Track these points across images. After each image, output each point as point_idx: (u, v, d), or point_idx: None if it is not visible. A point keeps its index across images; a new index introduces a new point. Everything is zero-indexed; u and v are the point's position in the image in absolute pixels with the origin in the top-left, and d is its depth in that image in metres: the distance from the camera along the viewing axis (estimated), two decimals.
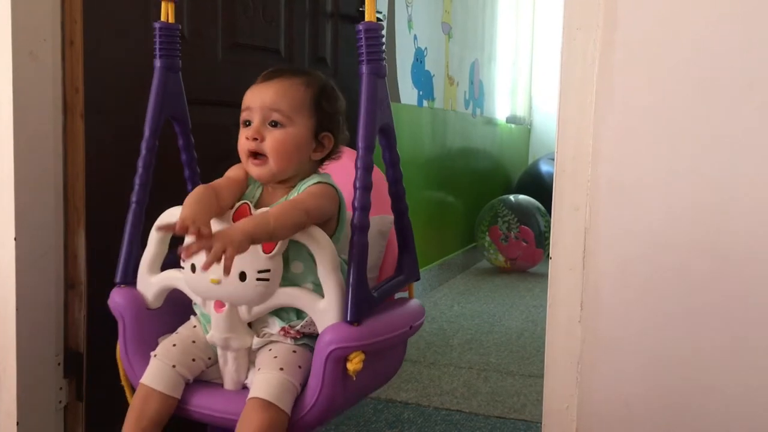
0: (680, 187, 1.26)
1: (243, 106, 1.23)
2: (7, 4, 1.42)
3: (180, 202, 1.19)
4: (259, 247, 1.10)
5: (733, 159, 1.23)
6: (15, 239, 1.46)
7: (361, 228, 1.12)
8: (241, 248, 1.04)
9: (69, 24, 1.52)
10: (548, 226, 3.94)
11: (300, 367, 1.15)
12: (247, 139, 1.20)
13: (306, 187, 1.21)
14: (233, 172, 1.26)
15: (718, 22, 1.22)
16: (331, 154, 1.28)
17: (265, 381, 1.12)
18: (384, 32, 1.17)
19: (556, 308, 1.34)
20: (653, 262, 1.28)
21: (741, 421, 1.25)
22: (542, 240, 4.07)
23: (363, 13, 2.32)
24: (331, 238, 1.17)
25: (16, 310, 1.47)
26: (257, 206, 1.21)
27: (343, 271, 1.16)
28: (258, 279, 1.11)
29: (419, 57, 3.50)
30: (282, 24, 2.04)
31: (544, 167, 4.78)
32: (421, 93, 3.53)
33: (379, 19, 2.35)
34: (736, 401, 1.25)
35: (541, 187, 4.51)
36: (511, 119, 5.28)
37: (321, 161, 1.28)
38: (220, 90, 1.83)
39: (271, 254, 1.11)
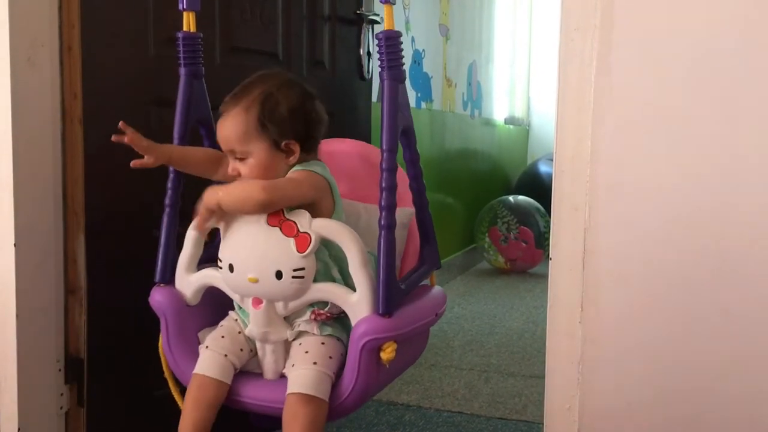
0: (679, 186, 1.26)
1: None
2: (5, 10, 1.42)
3: None
4: (293, 248, 1.18)
5: (731, 158, 1.23)
6: (15, 245, 1.46)
7: (388, 226, 1.18)
8: (211, 203, 1.18)
9: (67, 30, 1.52)
10: (548, 227, 3.94)
11: (331, 357, 1.23)
12: (231, 174, 1.28)
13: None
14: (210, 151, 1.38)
15: (716, 22, 1.22)
16: (310, 150, 1.30)
17: (302, 376, 1.19)
18: (402, 39, 1.22)
19: (557, 309, 1.34)
20: (653, 262, 1.28)
21: (741, 421, 1.25)
22: (542, 241, 4.06)
23: (360, 15, 2.33)
24: None
25: (17, 316, 1.47)
26: None
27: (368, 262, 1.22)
28: (293, 277, 1.19)
29: (417, 59, 3.50)
30: (279, 27, 2.04)
31: (543, 168, 4.78)
32: (419, 95, 3.54)
33: (376, 22, 2.36)
34: (737, 401, 1.25)
35: (540, 187, 4.50)
36: (509, 120, 5.28)
37: (308, 154, 1.30)
38: (218, 94, 1.83)
39: (305, 254, 1.18)
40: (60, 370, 1.56)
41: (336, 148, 1.51)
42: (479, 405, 2.14)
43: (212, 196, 1.19)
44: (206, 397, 1.24)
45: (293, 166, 1.27)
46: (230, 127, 1.25)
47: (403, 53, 1.22)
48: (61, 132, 1.53)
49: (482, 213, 4.26)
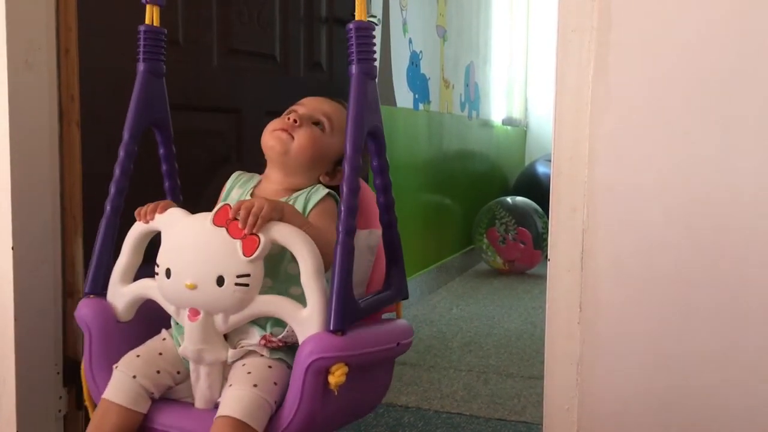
0: (677, 187, 1.26)
1: (295, 105, 1.27)
2: (2, 13, 1.42)
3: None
4: (239, 250, 1.05)
5: (729, 158, 1.23)
6: (12, 248, 1.45)
7: (346, 232, 1.06)
8: (274, 211, 1.06)
9: (64, 32, 1.52)
10: (546, 228, 3.95)
11: (276, 383, 1.08)
12: (288, 119, 1.22)
13: (317, 196, 1.21)
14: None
15: (713, 22, 1.23)
16: (332, 184, 1.26)
17: (237, 398, 1.05)
18: (375, 32, 1.15)
19: (555, 310, 1.34)
20: (651, 263, 1.28)
21: (741, 421, 1.25)
22: (540, 241, 4.07)
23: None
24: None
25: (15, 319, 1.46)
26: None
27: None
28: (237, 284, 1.05)
29: (414, 60, 3.50)
30: (277, 29, 2.04)
31: (541, 169, 4.78)
32: (416, 96, 3.54)
33: (371, 21, 2.36)
34: (736, 401, 1.25)
35: (538, 188, 4.50)
36: (507, 121, 5.29)
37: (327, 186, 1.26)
38: (216, 96, 1.83)
39: (251, 258, 1.05)
40: (58, 373, 1.56)
41: None
42: (478, 406, 2.14)
43: (274, 208, 1.07)
44: (108, 426, 1.08)
45: (316, 183, 1.25)
46: (341, 111, 1.25)
47: (375, 48, 1.13)
48: (58, 134, 1.53)
49: (480, 214, 4.26)
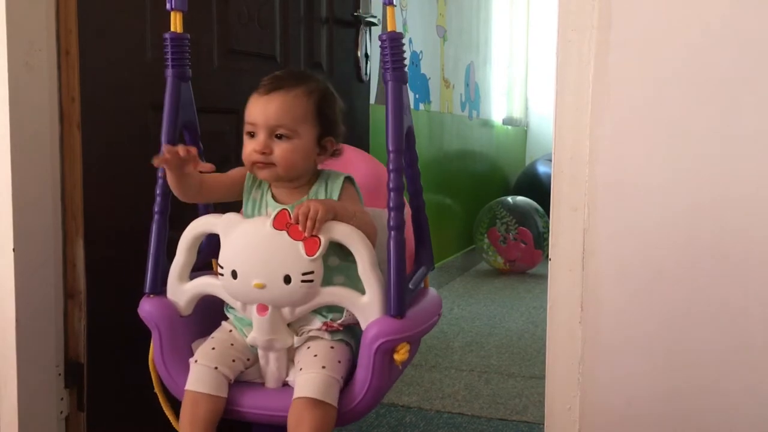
0: (678, 186, 1.26)
1: (247, 119, 1.26)
2: (2, 14, 1.42)
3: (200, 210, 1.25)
4: (302, 251, 1.16)
5: (730, 158, 1.23)
6: (14, 250, 1.45)
7: (397, 227, 1.17)
8: (328, 213, 1.15)
9: (64, 34, 1.52)
10: (547, 227, 3.94)
11: (339, 362, 1.20)
12: (255, 151, 1.24)
13: (337, 185, 1.28)
14: (235, 172, 1.34)
15: (713, 22, 1.23)
16: (333, 155, 1.32)
17: (310, 380, 1.16)
18: (404, 40, 1.22)
19: (556, 309, 1.34)
20: (652, 262, 1.28)
21: (743, 420, 1.25)
22: (541, 241, 4.07)
23: (358, 17, 2.33)
24: None
25: (16, 320, 1.47)
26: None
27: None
28: (303, 281, 1.16)
29: (415, 60, 3.50)
30: (277, 30, 2.04)
31: (542, 168, 4.78)
32: (417, 96, 3.54)
33: (374, 24, 2.36)
34: (738, 401, 1.25)
35: (538, 188, 4.51)
36: (507, 121, 5.29)
37: (332, 158, 1.32)
38: (216, 97, 1.83)
39: (313, 257, 1.16)
40: (60, 374, 1.56)
41: (349, 157, 1.46)
42: (480, 406, 2.14)
43: (328, 210, 1.17)
44: (202, 413, 1.20)
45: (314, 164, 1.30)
46: (288, 103, 1.24)
47: (405, 55, 1.22)
48: (59, 136, 1.53)
49: (481, 214, 4.26)
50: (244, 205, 1.33)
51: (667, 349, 1.28)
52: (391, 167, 1.18)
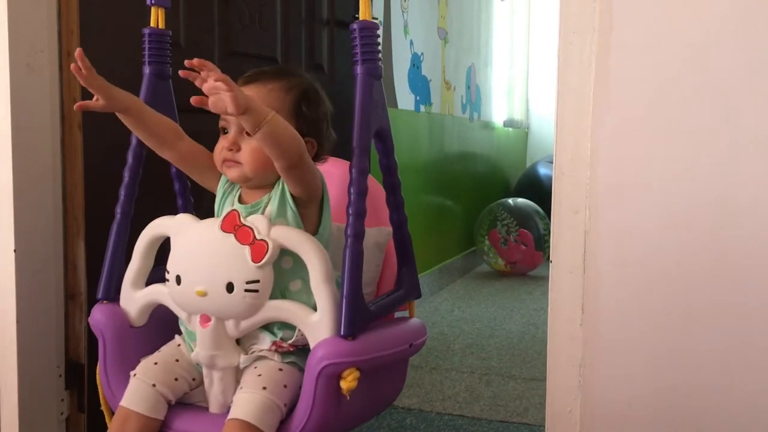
0: (679, 188, 1.26)
1: (222, 118, 1.17)
2: (4, 16, 1.42)
3: (167, 214, 1.16)
4: (248, 257, 1.05)
5: (730, 159, 1.23)
6: (15, 251, 1.46)
7: (355, 235, 1.05)
8: (240, 98, 0.98)
9: (66, 35, 1.52)
10: (547, 229, 3.94)
11: (286, 386, 1.08)
12: (224, 148, 1.15)
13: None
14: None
15: (714, 23, 1.23)
16: (315, 160, 1.19)
17: (247, 401, 1.05)
18: (380, 32, 1.13)
19: (557, 311, 1.34)
20: (653, 264, 1.28)
21: (743, 421, 1.25)
22: (542, 243, 4.06)
23: (358, 19, 2.33)
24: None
25: (17, 321, 1.47)
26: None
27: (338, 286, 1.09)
28: (246, 290, 1.05)
29: (416, 62, 3.50)
30: (278, 31, 2.04)
31: (542, 170, 4.78)
32: (418, 98, 3.54)
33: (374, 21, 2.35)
34: (739, 401, 1.25)
35: (539, 190, 4.50)
36: (508, 123, 5.28)
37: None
38: None
39: (260, 263, 1.05)
40: (60, 375, 1.56)
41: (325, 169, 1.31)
42: (480, 408, 2.14)
43: (247, 99, 1.00)
44: None
45: None
46: (263, 96, 1.13)
47: (380, 47, 1.11)
48: (60, 137, 1.53)
49: (482, 216, 4.26)
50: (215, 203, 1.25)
51: (668, 350, 1.28)
52: (354, 168, 1.06)
